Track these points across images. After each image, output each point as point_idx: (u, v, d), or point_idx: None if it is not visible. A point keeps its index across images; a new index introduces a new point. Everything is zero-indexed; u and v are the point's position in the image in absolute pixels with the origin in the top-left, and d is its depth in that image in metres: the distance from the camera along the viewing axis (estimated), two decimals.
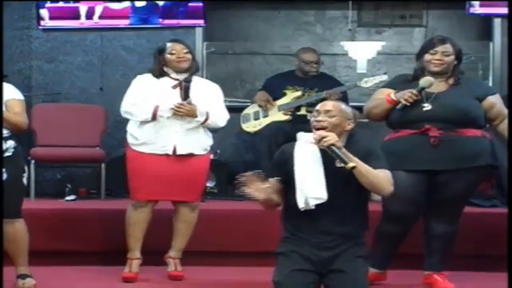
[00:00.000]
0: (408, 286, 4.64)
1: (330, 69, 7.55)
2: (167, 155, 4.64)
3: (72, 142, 6.64)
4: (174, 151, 4.65)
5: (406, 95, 4.30)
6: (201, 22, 7.32)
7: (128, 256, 4.72)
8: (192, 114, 4.62)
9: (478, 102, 4.38)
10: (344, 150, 3.47)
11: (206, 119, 4.68)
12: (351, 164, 3.43)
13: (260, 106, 6.48)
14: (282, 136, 6.26)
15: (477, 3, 7.15)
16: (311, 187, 3.49)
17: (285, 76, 6.73)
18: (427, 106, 4.31)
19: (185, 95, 4.64)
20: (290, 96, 6.44)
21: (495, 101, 4.44)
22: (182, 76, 4.73)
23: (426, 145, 4.29)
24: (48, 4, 7.33)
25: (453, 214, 4.46)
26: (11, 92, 4.44)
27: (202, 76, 7.45)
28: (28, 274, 4.50)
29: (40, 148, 6.57)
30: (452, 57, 4.41)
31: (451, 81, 4.43)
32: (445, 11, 7.99)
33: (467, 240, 5.05)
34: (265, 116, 6.46)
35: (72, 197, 6.48)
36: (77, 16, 7.34)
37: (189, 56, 4.76)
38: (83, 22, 7.35)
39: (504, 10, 7.00)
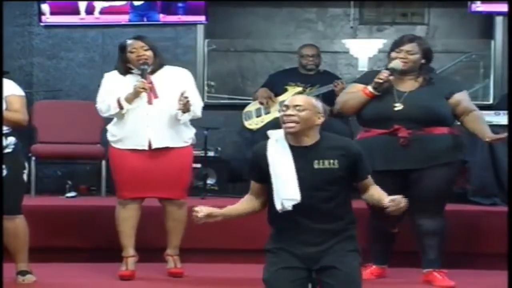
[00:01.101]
0: (408, 284, 4.64)
1: (331, 67, 7.55)
2: (144, 150, 4.61)
3: (73, 139, 6.65)
4: (150, 147, 4.61)
5: (379, 75, 4.43)
6: (202, 19, 7.32)
7: (123, 254, 4.71)
8: (187, 108, 4.55)
9: (446, 100, 4.47)
10: None
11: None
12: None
13: (261, 103, 6.48)
14: None
15: (478, 1, 7.15)
16: (283, 188, 3.45)
17: (288, 73, 6.76)
18: (398, 106, 4.41)
19: (142, 77, 4.59)
20: (292, 92, 6.44)
21: (461, 98, 4.51)
22: None
23: (395, 145, 4.38)
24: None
25: (435, 210, 4.49)
26: (11, 88, 4.44)
27: (203, 74, 7.49)
28: (28, 270, 4.50)
29: (41, 145, 6.58)
30: (417, 55, 4.50)
31: (420, 80, 4.52)
32: (447, 9, 7.98)
33: (467, 238, 5.06)
34: (267, 113, 6.46)
35: (72, 193, 6.49)
36: (77, 11, 7.34)
37: (149, 53, 4.67)
38: (83, 17, 7.35)
39: (506, 8, 7.00)
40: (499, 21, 7.27)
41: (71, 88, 7.48)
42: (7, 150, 4.34)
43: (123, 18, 7.34)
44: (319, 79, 6.48)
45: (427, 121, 4.39)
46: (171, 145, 4.65)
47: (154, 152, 4.62)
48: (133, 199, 4.71)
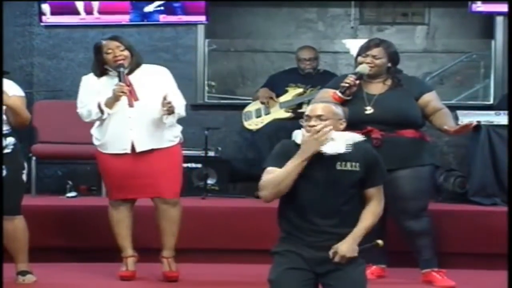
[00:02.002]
0: (409, 284, 4.64)
1: (331, 67, 7.55)
2: (127, 154, 4.53)
3: (73, 139, 6.62)
4: (134, 149, 4.52)
5: (345, 80, 4.51)
6: (203, 19, 7.32)
7: (122, 255, 4.69)
8: (172, 111, 4.45)
9: (416, 101, 4.54)
10: None
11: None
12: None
13: (262, 103, 6.49)
14: (284, 134, 6.22)
15: (479, 1, 7.14)
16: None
17: (288, 73, 6.76)
18: (369, 110, 4.50)
19: (120, 80, 4.48)
20: (292, 93, 6.45)
21: (430, 98, 4.58)
22: None
23: None
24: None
25: (415, 211, 4.51)
26: (13, 89, 4.44)
27: (203, 74, 7.49)
28: (29, 270, 4.50)
29: (41, 145, 6.58)
30: (383, 60, 4.59)
31: (388, 82, 4.60)
32: (447, 9, 7.97)
33: (467, 238, 5.06)
34: (267, 113, 6.47)
35: (73, 193, 6.49)
36: (77, 11, 7.34)
37: (126, 53, 4.56)
38: (83, 17, 7.35)
39: (506, 8, 7.00)
40: (500, 21, 7.27)
41: (71, 88, 7.44)
42: (6, 151, 4.35)
43: (124, 18, 7.34)
44: (319, 79, 6.46)
45: (398, 123, 4.47)
46: (155, 147, 4.56)
47: (139, 155, 4.54)
48: (124, 200, 4.66)
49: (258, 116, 6.50)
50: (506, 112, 5.82)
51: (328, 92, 4.60)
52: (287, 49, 7.75)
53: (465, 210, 5.48)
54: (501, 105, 6.30)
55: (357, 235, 3.46)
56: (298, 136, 3.56)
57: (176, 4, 7.30)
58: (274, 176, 3.46)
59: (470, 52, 7.77)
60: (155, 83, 4.59)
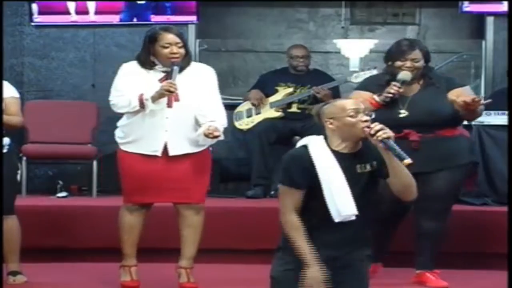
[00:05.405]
0: (399, 285, 4.64)
1: (322, 67, 7.56)
2: (156, 156, 4.24)
3: (64, 139, 6.63)
4: (166, 152, 4.23)
5: (389, 89, 4.34)
6: (194, 19, 7.31)
7: (125, 264, 4.41)
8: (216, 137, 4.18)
9: (448, 97, 4.43)
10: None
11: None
12: (408, 161, 3.26)
13: (253, 104, 6.48)
14: (274, 133, 6.31)
15: (466, 1, 7.16)
16: (342, 203, 3.31)
17: (278, 73, 6.76)
18: (403, 113, 4.39)
19: (170, 78, 4.18)
20: (282, 92, 6.46)
21: (458, 93, 4.42)
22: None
23: (406, 149, 4.30)
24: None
25: (439, 211, 4.48)
26: (10, 90, 4.45)
27: None
28: (19, 271, 4.49)
29: (32, 145, 6.57)
30: (421, 61, 4.44)
31: (421, 82, 4.48)
32: (438, 9, 8.00)
33: (458, 238, 5.06)
34: (258, 113, 6.47)
35: (63, 193, 6.47)
36: (67, 11, 7.33)
37: (182, 51, 4.23)
38: (74, 18, 7.33)
39: (497, 8, 7.04)
40: (490, 21, 7.28)
41: (62, 88, 7.46)
42: (2, 151, 4.35)
43: (114, 18, 7.33)
44: (310, 78, 6.49)
45: (434, 124, 4.37)
46: (190, 151, 4.27)
47: (170, 158, 4.24)
48: (142, 205, 4.37)
49: (249, 116, 6.50)
50: (496, 112, 5.84)
51: (362, 95, 4.43)
52: (278, 49, 7.75)
53: (456, 210, 5.46)
54: (491, 104, 6.29)
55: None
56: (312, 142, 3.39)
57: (167, 4, 7.30)
58: (294, 233, 3.31)
59: (461, 52, 7.79)
60: (199, 84, 4.30)
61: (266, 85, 6.57)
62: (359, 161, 3.37)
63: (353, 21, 8.17)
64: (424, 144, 4.33)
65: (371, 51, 7.95)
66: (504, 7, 6.94)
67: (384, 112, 4.33)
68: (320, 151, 3.36)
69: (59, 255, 5.23)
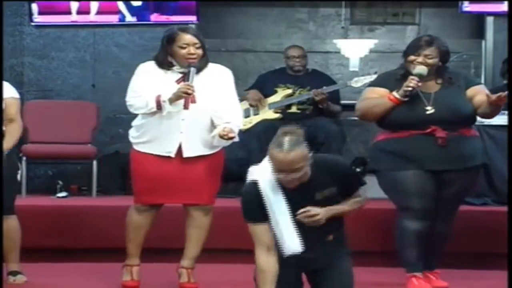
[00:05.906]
0: (398, 285, 4.64)
1: (322, 67, 7.57)
2: (170, 157, 4.21)
3: (64, 139, 6.63)
4: (180, 153, 4.20)
5: (408, 83, 4.29)
6: (194, 19, 7.31)
7: (128, 263, 4.39)
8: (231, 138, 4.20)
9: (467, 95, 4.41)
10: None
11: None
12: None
13: (251, 105, 6.47)
14: (273, 134, 6.23)
15: (466, 1, 7.17)
16: (288, 242, 3.40)
17: (277, 73, 6.74)
18: (430, 110, 4.33)
19: (187, 79, 4.15)
20: (281, 94, 6.44)
21: (475, 92, 4.39)
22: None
23: (432, 145, 4.30)
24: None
25: (450, 213, 4.46)
26: (10, 91, 4.46)
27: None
28: (19, 271, 4.49)
29: (32, 145, 6.57)
30: (436, 59, 4.37)
31: (439, 80, 4.42)
32: (438, 9, 8.01)
33: (459, 238, 5.05)
34: (256, 114, 6.45)
35: (63, 193, 6.47)
36: (67, 11, 7.34)
37: (200, 52, 4.19)
38: (74, 18, 7.34)
39: (497, 8, 7.04)
40: (490, 21, 7.29)
41: (62, 88, 7.47)
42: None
43: (114, 18, 7.33)
44: (308, 79, 6.47)
45: (458, 122, 4.33)
46: (204, 153, 4.25)
47: (183, 159, 4.21)
48: (152, 206, 4.34)
49: (247, 116, 6.48)
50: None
51: (378, 92, 4.41)
52: (278, 49, 7.75)
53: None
54: None
55: (332, 210, 3.41)
56: (261, 176, 3.45)
57: (167, 4, 7.30)
58: (259, 277, 3.42)
59: (461, 52, 7.78)
60: (216, 86, 4.26)
61: (265, 85, 6.56)
62: (315, 189, 3.42)
63: (353, 21, 8.18)
64: (451, 141, 4.29)
65: (371, 51, 7.96)
66: (504, 7, 6.94)
67: (410, 108, 4.31)
68: (268, 189, 3.42)
69: (59, 255, 5.23)
